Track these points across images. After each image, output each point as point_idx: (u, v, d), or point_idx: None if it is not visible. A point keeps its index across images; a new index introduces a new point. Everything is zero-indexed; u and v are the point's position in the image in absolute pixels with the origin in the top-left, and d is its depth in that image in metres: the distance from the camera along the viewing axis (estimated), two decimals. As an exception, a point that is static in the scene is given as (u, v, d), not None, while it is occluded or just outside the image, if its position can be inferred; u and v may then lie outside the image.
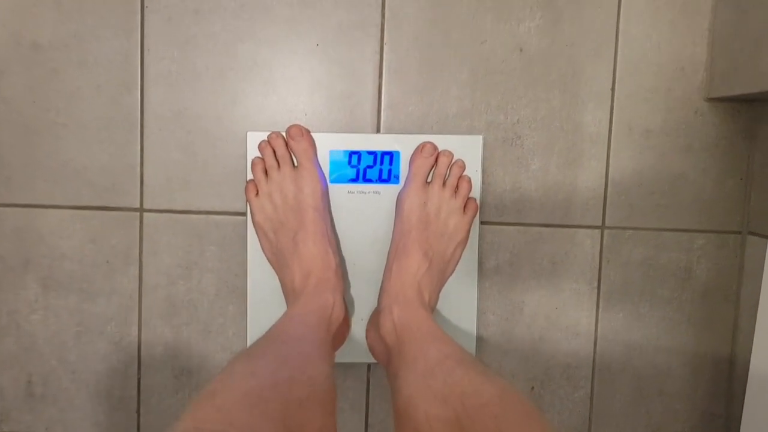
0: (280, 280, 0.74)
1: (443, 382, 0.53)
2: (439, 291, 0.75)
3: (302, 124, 0.76)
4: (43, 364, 0.79)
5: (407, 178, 0.75)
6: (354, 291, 0.78)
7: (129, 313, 0.79)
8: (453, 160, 0.75)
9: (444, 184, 0.74)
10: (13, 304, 0.78)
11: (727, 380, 0.81)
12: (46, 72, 0.75)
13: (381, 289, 0.73)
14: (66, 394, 0.79)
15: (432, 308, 0.73)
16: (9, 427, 0.80)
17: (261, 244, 0.75)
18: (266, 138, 0.75)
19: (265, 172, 0.74)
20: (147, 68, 0.76)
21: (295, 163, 0.74)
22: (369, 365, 0.81)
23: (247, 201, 0.75)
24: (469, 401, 0.48)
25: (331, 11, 0.76)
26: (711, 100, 0.78)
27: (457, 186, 0.75)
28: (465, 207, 0.75)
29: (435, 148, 0.75)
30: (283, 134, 0.74)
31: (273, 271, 0.76)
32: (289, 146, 0.74)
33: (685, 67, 0.78)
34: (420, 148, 0.75)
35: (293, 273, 0.70)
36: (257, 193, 0.74)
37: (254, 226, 0.75)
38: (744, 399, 0.74)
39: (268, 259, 0.75)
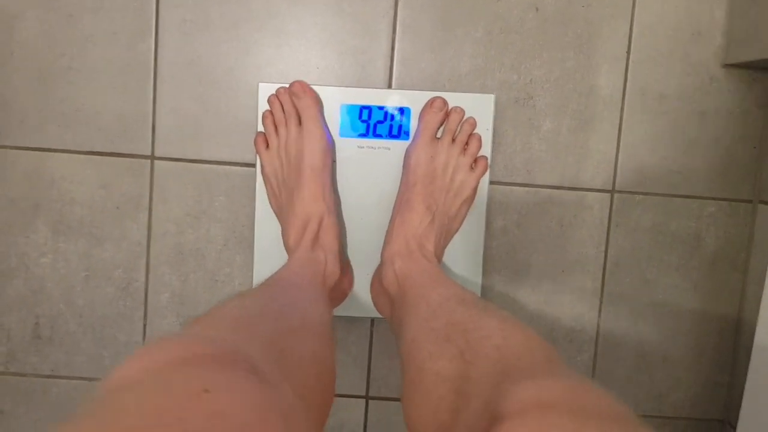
0: (282, 232, 0.74)
1: (445, 322, 0.53)
2: (444, 246, 0.75)
3: (314, 78, 0.76)
4: (50, 307, 0.80)
5: (416, 132, 0.75)
6: (361, 246, 0.78)
7: (137, 259, 0.79)
8: (464, 117, 0.75)
9: (453, 140, 0.74)
10: (23, 247, 0.79)
11: (731, 349, 0.81)
12: (62, 17, 0.76)
13: (384, 241, 0.73)
14: (72, 337, 0.80)
15: (437, 261, 0.73)
16: (15, 368, 0.81)
17: (268, 195, 0.75)
18: (275, 92, 0.75)
19: (275, 125, 0.74)
20: (162, 16, 0.76)
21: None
22: (372, 320, 0.81)
23: (257, 152, 0.75)
24: (471, 336, 0.49)
25: (347, -36, 0.76)
26: (727, 66, 0.77)
27: (467, 143, 0.75)
28: (474, 164, 0.75)
29: (445, 103, 0.74)
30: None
31: (279, 222, 0.76)
32: (292, 103, 0.74)
33: (702, 31, 0.77)
34: (430, 103, 0.74)
35: (290, 229, 0.71)
36: (267, 146, 0.74)
37: (263, 176, 0.75)
38: (747, 368, 0.74)
39: (274, 211, 0.76)
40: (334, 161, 0.76)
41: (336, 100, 0.76)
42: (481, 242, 0.78)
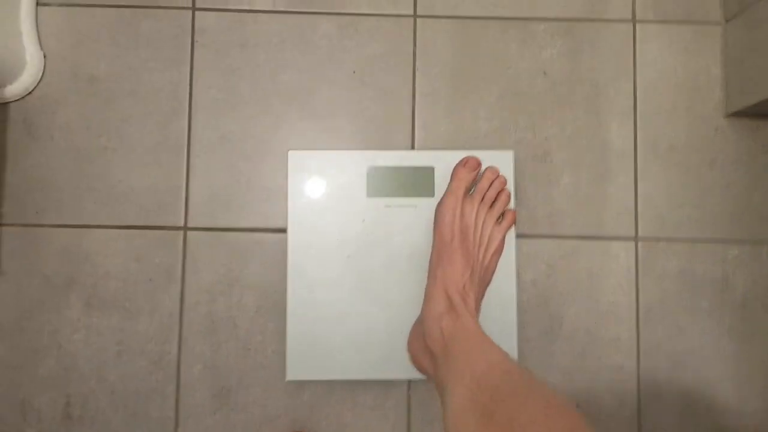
0: None
1: (490, 397, 0.54)
2: (481, 299, 0.75)
3: (341, 143, 0.80)
4: (82, 384, 0.79)
5: (448, 188, 0.77)
6: (393, 304, 0.78)
7: (169, 331, 0.79)
8: (497, 176, 0.77)
9: (483, 197, 0.77)
10: (55, 324, 0.79)
11: (775, 395, 0.80)
12: (100, 101, 0.81)
13: (425, 296, 0.74)
14: (103, 415, 0.78)
15: (476, 316, 0.73)
16: (43, 452, 0.78)
17: None
18: None
19: None
20: (195, 96, 0.81)
21: None
22: (409, 383, 0.80)
23: None
24: (516, 419, 0.50)
25: (366, 42, 0.82)
26: (730, 116, 0.82)
27: (495, 198, 0.77)
28: (501, 217, 0.77)
29: (479, 163, 0.77)
30: None
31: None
32: None
33: (701, 87, 0.82)
34: (464, 161, 0.77)
35: None
36: None
37: None
38: None
39: None
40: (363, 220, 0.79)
41: (363, 163, 0.79)
42: (514, 297, 0.79)
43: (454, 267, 0.72)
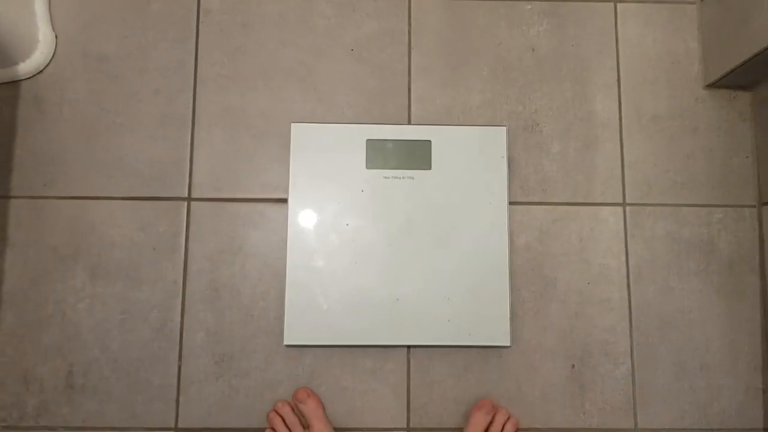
0: None
1: None
2: None
3: (340, 116, 0.83)
4: (85, 353, 0.79)
5: (466, 428, 0.79)
6: (390, 271, 0.80)
7: (172, 298, 0.80)
8: (508, 418, 0.79)
9: None
10: (60, 293, 0.80)
11: (765, 352, 0.82)
12: (109, 79, 0.84)
13: None
14: (106, 384, 0.79)
15: None
16: (47, 421, 0.78)
17: None
18: (273, 408, 0.79)
19: None
20: (200, 73, 0.84)
21: (305, 424, 0.79)
22: (408, 348, 0.81)
23: None
24: None
25: (363, 21, 0.86)
26: (708, 87, 0.86)
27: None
28: None
29: (494, 407, 0.79)
30: (290, 401, 0.80)
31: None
32: (297, 408, 0.79)
33: (681, 60, 0.87)
34: (480, 405, 0.79)
35: None
36: None
37: None
38: None
39: None
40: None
41: (362, 136, 0.82)
42: (506, 261, 0.81)
43: None
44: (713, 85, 0.86)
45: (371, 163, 0.82)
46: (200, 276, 0.81)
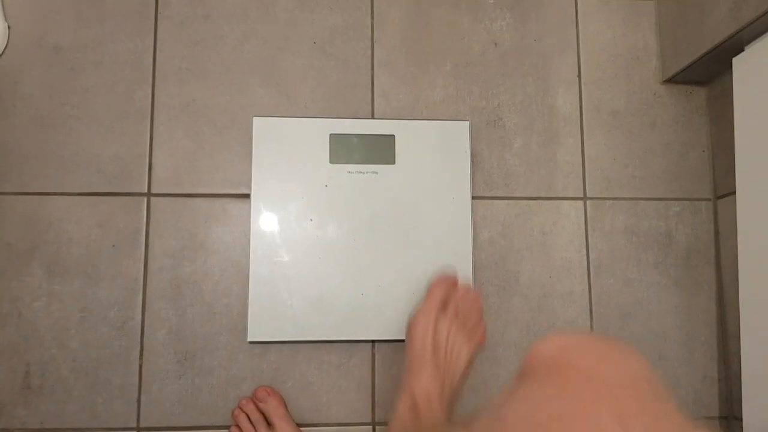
0: None
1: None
2: (454, 404, 0.76)
3: (303, 110, 0.83)
4: (42, 352, 0.77)
5: (424, 303, 0.75)
6: (354, 266, 0.80)
7: (133, 296, 0.79)
8: (469, 291, 0.78)
9: (456, 313, 0.76)
10: (16, 292, 0.78)
11: (720, 341, 0.84)
12: (65, 71, 0.82)
13: (394, 408, 0.74)
14: (64, 384, 0.77)
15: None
16: (3, 423, 0.76)
17: None
18: (238, 405, 0.79)
19: None
20: (159, 66, 0.83)
21: (270, 423, 0.78)
22: (373, 343, 0.81)
23: None
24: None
25: (326, 14, 0.85)
26: (666, 83, 0.88)
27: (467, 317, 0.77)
28: (474, 332, 0.76)
29: (456, 278, 0.77)
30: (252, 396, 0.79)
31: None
32: (258, 408, 0.78)
33: (639, 56, 0.88)
34: (441, 277, 0.77)
35: None
36: None
37: None
38: (739, 359, 0.76)
39: None
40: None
41: (326, 130, 0.82)
42: (470, 255, 0.82)
43: (425, 378, 0.72)
44: (670, 81, 0.87)
45: (335, 157, 0.81)
46: (161, 273, 0.80)
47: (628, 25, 0.89)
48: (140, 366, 0.78)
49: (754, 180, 0.74)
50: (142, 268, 0.80)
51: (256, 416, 0.77)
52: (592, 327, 0.83)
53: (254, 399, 0.78)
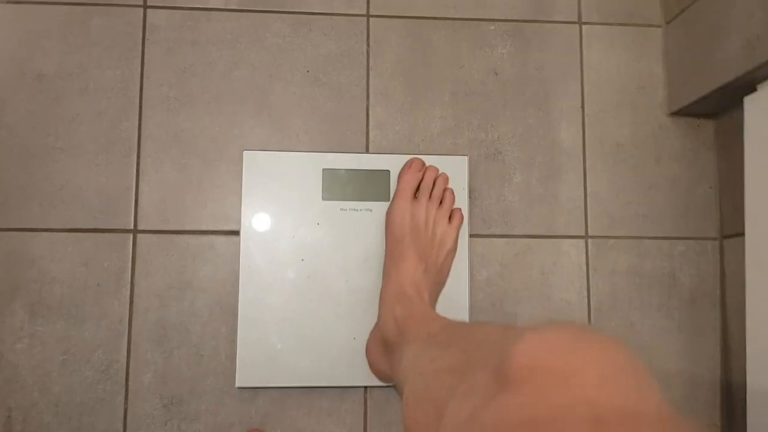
0: None
1: (447, 335, 0.54)
2: (437, 295, 0.75)
3: (295, 144, 0.79)
4: (24, 396, 0.75)
5: (396, 191, 0.78)
6: (347, 309, 0.77)
7: (118, 338, 0.76)
8: (438, 174, 0.79)
9: (430, 196, 0.78)
10: (-4, 333, 0.76)
11: (723, 387, 0.81)
12: (49, 100, 0.78)
13: (380, 297, 0.74)
14: (47, 429, 0.75)
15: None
16: (-18, 468, 0.74)
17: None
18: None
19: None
20: (146, 94, 0.79)
21: None
22: (365, 388, 0.79)
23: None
24: (474, 336, 0.49)
25: (320, 41, 0.82)
26: (672, 115, 0.84)
27: (442, 198, 0.78)
28: (450, 217, 0.78)
29: (423, 164, 0.78)
30: None
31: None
32: None
33: (645, 86, 0.85)
34: (409, 164, 0.78)
35: None
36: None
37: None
38: (744, 407, 0.74)
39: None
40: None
41: (318, 165, 0.78)
42: (466, 296, 0.79)
43: (408, 263, 0.73)
44: (677, 113, 0.84)
45: (327, 193, 0.78)
46: (147, 314, 0.77)
47: (634, 52, 0.85)
48: (125, 411, 0.76)
49: (764, 222, 0.71)
50: (128, 309, 0.77)
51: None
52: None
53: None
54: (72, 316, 0.76)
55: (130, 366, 0.76)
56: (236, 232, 0.78)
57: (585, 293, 0.81)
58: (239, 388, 0.76)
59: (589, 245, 0.82)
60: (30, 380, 0.75)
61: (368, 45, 0.82)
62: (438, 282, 0.75)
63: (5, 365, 0.75)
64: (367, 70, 0.82)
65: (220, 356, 0.77)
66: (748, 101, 0.72)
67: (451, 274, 0.78)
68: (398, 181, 0.78)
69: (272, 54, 0.81)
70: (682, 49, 0.82)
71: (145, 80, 0.80)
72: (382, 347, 0.70)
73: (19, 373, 0.75)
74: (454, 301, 0.78)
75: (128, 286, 0.77)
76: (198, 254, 0.78)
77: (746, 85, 0.73)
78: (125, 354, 0.76)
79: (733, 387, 0.80)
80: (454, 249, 0.77)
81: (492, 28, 0.84)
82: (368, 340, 0.76)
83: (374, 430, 0.78)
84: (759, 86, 0.72)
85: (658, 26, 0.86)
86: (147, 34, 0.80)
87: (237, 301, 0.76)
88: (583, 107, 0.84)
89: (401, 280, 0.71)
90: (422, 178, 0.78)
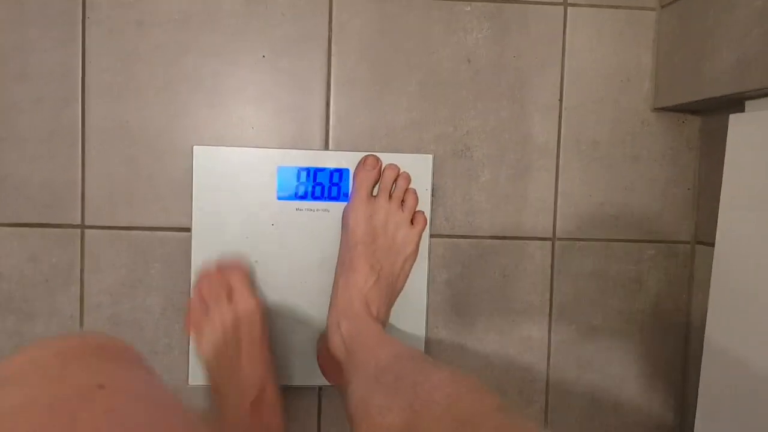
0: (218, 400, 0.70)
1: (395, 377, 0.52)
2: (390, 306, 0.74)
3: (250, 139, 0.75)
4: (-21, 388, 0.76)
5: (351, 191, 0.74)
6: (303, 309, 0.76)
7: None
8: (398, 173, 0.75)
9: (390, 197, 0.74)
10: (-54, 327, 0.75)
11: (681, 390, 0.81)
12: (-17, 85, 0.73)
13: (330, 305, 0.72)
14: (3, 419, 0.76)
15: (383, 323, 0.72)
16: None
17: (203, 372, 0.71)
18: (199, 275, 0.72)
19: (205, 304, 0.71)
20: (88, 81, 0.74)
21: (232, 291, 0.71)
22: (320, 387, 0.79)
23: (190, 335, 0.72)
24: (421, 388, 0.48)
25: (277, 23, 0.75)
26: (657, 110, 0.79)
27: (403, 199, 0.74)
28: (413, 220, 0.74)
29: (378, 161, 0.74)
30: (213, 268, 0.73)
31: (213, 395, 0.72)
32: (222, 277, 0.72)
33: (631, 78, 0.78)
34: (362, 162, 0.74)
35: (231, 397, 0.68)
36: (199, 327, 0.71)
37: (198, 356, 0.71)
38: (695, 411, 0.74)
39: (210, 385, 0.71)
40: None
41: (273, 162, 0.74)
42: (425, 298, 0.77)
43: (358, 275, 0.70)
44: (662, 108, 0.78)
45: (283, 192, 0.74)
46: (99, 310, 0.76)
47: (623, 39, 0.78)
48: (80, 402, 0.77)
49: (735, 237, 0.68)
50: (78, 305, 0.75)
51: (216, 287, 0.72)
52: (548, 374, 0.80)
53: (217, 269, 0.73)
54: (22, 312, 0.75)
55: (83, 361, 0.76)
56: (187, 229, 0.75)
57: (548, 296, 0.79)
58: (192, 385, 0.76)
59: (556, 247, 0.79)
60: (-16, 373, 0.76)
61: (330, 29, 0.75)
62: (392, 293, 0.73)
63: (-42, 358, 0.75)
64: (329, 56, 0.75)
65: (173, 353, 0.77)
66: (734, 120, 0.66)
67: (410, 274, 0.76)
68: (353, 180, 0.74)
69: (225, 37, 0.74)
70: (675, 40, 0.75)
71: (86, 65, 0.73)
72: (330, 359, 0.69)
73: (-27, 366, 0.75)
74: (412, 303, 0.77)
75: (78, 282, 0.75)
76: (148, 251, 0.75)
77: (735, 101, 0.67)
78: (78, 349, 0.76)
79: (688, 390, 0.80)
80: (414, 255, 0.74)
81: (468, 9, 0.76)
82: (318, 344, 0.75)
83: (327, 428, 0.79)
84: (747, 103, 0.66)
85: (652, 9, 0.78)
86: (87, 12, 0.73)
87: (188, 297, 0.75)
88: (561, 100, 0.78)
89: (350, 293, 0.69)
90: (381, 177, 0.74)
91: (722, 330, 0.69)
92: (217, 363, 0.70)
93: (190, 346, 0.74)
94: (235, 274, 0.72)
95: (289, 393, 0.78)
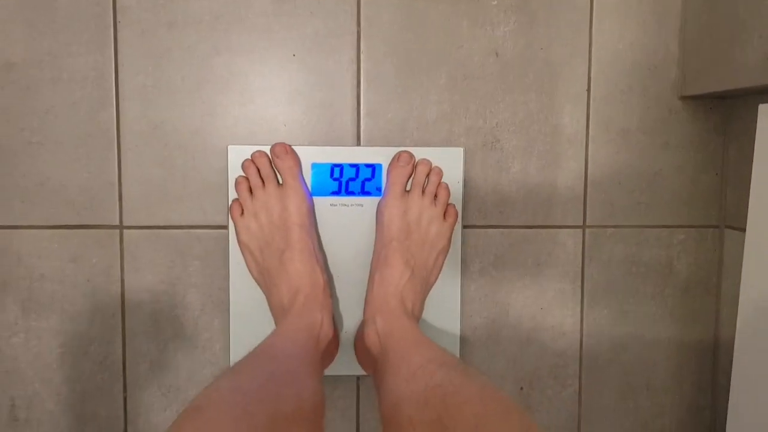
0: (268, 299, 0.73)
1: (425, 386, 0.53)
2: (423, 299, 0.75)
3: (282, 137, 0.76)
4: (25, 387, 0.77)
5: (385, 187, 0.75)
6: (340, 304, 0.77)
7: (112, 332, 0.77)
8: (431, 168, 0.76)
9: (423, 192, 0.75)
10: (-8, 328, 0.77)
11: (711, 372, 0.83)
12: (20, 90, 0.74)
13: (365, 300, 0.73)
14: (51, 417, 0.78)
15: (417, 317, 0.73)
16: (-7, 453, 0.78)
17: (247, 263, 0.74)
18: (250, 156, 0.74)
19: (250, 190, 0.73)
20: (122, 83, 0.75)
21: (280, 181, 0.74)
22: (358, 377, 0.80)
23: (231, 220, 0.74)
24: (451, 400, 0.49)
25: (306, 20, 0.75)
26: (684, 98, 0.79)
27: (436, 194, 0.75)
28: (445, 214, 0.75)
29: (411, 156, 0.75)
30: (267, 152, 0.74)
31: (255, 282, 0.75)
32: (273, 164, 0.74)
33: (658, 66, 0.79)
34: (396, 158, 0.75)
35: (281, 292, 0.70)
36: (242, 213, 0.73)
37: (239, 245, 0.74)
38: (728, 390, 0.75)
39: (254, 278, 0.75)
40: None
41: (307, 160, 0.75)
42: (458, 286, 0.78)
43: (392, 270, 0.71)
44: (690, 96, 0.79)
45: (317, 189, 0.76)
46: (140, 308, 0.77)
47: (650, 27, 0.78)
48: (124, 399, 0.78)
49: (766, 222, 0.69)
50: (120, 304, 0.77)
51: (267, 171, 0.74)
52: (581, 359, 0.81)
53: (271, 154, 0.74)
54: (65, 311, 0.77)
55: (126, 357, 0.78)
56: (224, 226, 0.76)
57: (579, 283, 0.80)
58: (233, 380, 0.78)
59: (587, 234, 0.80)
60: (30, 372, 0.77)
61: (359, 24, 0.76)
62: (426, 287, 0.74)
63: (4, 358, 0.77)
64: (358, 52, 0.76)
65: (214, 348, 0.78)
66: (764, 110, 0.67)
67: (443, 266, 0.77)
68: (387, 177, 0.75)
69: (255, 36, 0.75)
70: (702, 28, 0.75)
71: (119, 67, 0.74)
72: (366, 352, 0.70)
73: (19, 365, 0.77)
74: (446, 294, 0.78)
75: (119, 282, 0.77)
76: (186, 249, 0.77)
77: (765, 90, 0.68)
78: (121, 346, 0.78)
79: (719, 373, 0.82)
80: (447, 248, 0.75)
81: (495, 2, 0.77)
82: (356, 338, 0.77)
83: (366, 415, 0.81)
84: (778, 91, 0.67)
85: (678, -5, 0.78)
86: (118, 15, 0.74)
87: (227, 294, 0.77)
88: (589, 90, 0.78)
89: (385, 289, 0.70)
90: (414, 173, 0.75)
91: (755, 312, 0.70)
92: (262, 248, 0.72)
93: (231, 341, 0.76)
94: (286, 160, 0.73)
95: (327, 381, 0.79)
